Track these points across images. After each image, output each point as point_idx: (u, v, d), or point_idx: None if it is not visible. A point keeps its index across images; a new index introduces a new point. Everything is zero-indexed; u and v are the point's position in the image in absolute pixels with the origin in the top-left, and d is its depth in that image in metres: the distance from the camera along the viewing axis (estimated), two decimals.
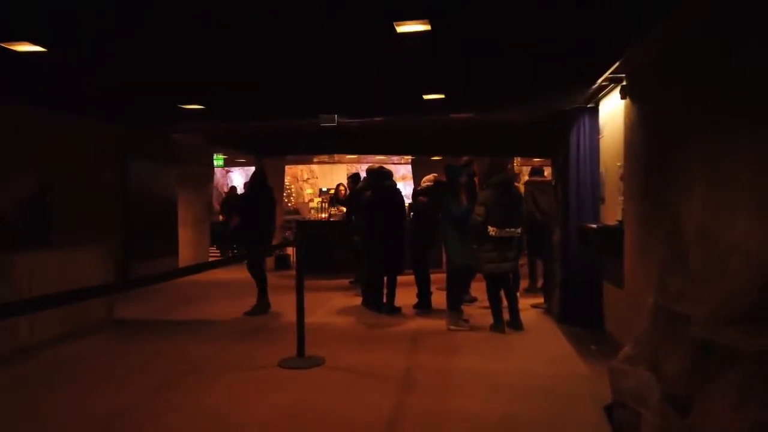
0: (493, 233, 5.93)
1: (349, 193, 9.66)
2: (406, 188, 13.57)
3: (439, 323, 6.39)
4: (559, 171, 6.72)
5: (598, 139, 6.28)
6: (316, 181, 17.97)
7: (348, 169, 16.51)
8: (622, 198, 5.32)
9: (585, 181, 6.29)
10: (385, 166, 7.83)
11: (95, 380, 4.68)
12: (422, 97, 5.97)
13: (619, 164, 5.39)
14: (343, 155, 15.73)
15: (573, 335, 5.88)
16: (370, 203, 7.35)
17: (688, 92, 3.62)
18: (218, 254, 13.22)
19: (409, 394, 4.29)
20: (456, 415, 3.85)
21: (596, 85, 5.36)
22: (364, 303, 7.51)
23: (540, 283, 7.98)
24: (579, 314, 6.20)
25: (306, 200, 17.37)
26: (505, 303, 6.16)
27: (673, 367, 2.94)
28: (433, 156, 11.78)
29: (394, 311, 7.10)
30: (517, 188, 6.48)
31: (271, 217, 7.41)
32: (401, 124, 8.68)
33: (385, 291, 7.20)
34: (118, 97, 6.24)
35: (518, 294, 6.64)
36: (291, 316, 5.46)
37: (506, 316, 6.12)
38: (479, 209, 6.00)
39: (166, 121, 7.85)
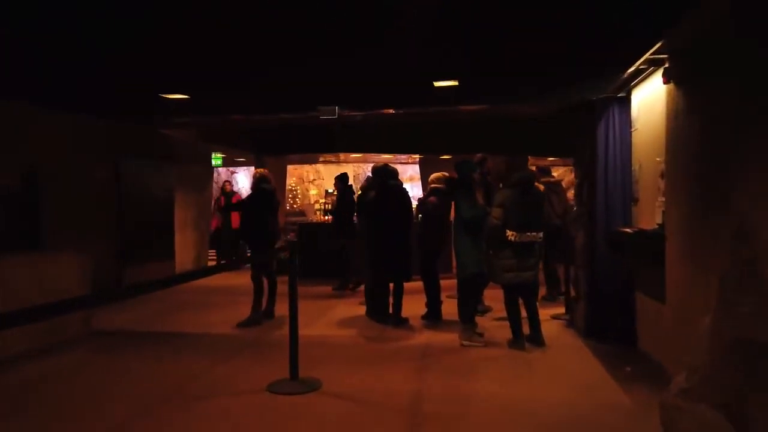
0: (513, 238, 5.29)
1: (338, 194, 9.40)
2: (413, 189, 12.97)
3: (451, 337, 5.75)
4: (585, 169, 6.05)
5: (630, 133, 5.61)
6: (322, 182, 17.37)
7: (354, 170, 15.92)
8: (662, 198, 4.64)
9: (615, 179, 5.62)
10: (391, 165, 7.21)
11: (50, 412, 4.02)
12: (433, 84, 5.34)
13: (658, 159, 4.71)
14: (348, 155, 15.14)
15: (602, 353, 5.21)
16: (375, 204, 6.77)
17: (755, 69, 2.95)
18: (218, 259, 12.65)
19: (418, 429, 3.65)
20: None
21: (633, 69, 4.67)
22: (368, 313, 6.91)
23: (562, 290, 7.30)
24: (607, 329, 5.59)
25: (312, 201, 16.80)
26: (523, 314, 5.51)
27: (763, 414, 2.29)
28: (442, 155, 11.17)
29: (401, 323, 6.48)
30: (538, 188, 5.82)
31: (272, 222, 6.83)
32: (408, 122, 8.07)
33: (390, 300, 6.58)
34: (100, 88, 5.64)
35: (537, 303, 5.97)
36: (288, 327, 4.80)
37: (525, 329, 5.47)
38: (497, 211, 5.37)
39: (155, 114, 7.21)
